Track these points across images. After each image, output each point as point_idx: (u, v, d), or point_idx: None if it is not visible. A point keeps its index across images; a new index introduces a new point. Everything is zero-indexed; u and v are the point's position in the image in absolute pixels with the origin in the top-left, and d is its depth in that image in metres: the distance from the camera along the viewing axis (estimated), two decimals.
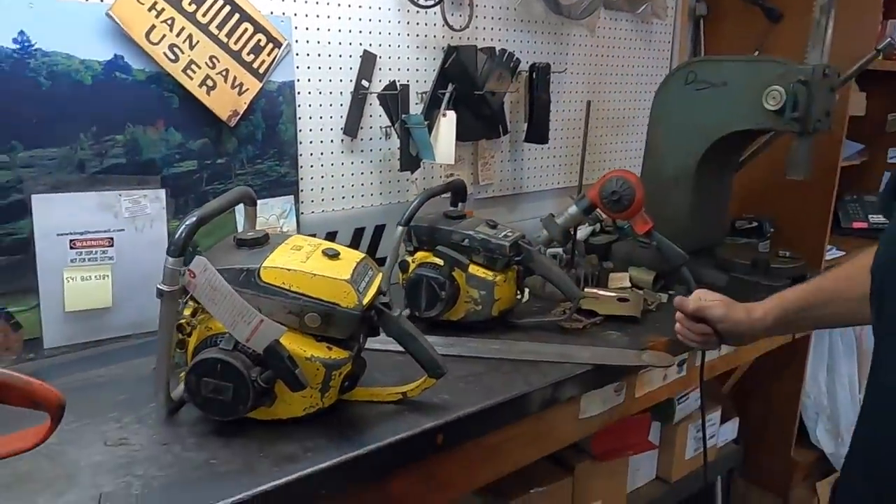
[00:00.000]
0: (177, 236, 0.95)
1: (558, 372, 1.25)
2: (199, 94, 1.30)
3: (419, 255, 1.42)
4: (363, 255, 1.09)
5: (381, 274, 1.12)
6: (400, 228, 1.38)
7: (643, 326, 1.48)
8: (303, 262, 1.01)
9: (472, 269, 1.37)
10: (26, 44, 1.14)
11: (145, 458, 0.93)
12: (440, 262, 1.36)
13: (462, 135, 1.66)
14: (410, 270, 1.39)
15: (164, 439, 0.98)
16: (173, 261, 0.94)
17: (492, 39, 1.77)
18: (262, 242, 1.07)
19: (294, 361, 0.95)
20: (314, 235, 1.54)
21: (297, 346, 0.98)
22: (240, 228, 1.41)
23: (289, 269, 0.99)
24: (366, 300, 1.02)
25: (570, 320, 1.44)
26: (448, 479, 1.13)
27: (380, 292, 1.08)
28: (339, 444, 0.98)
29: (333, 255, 1.04)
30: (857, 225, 2.46)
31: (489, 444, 1.16)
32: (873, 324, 0.83)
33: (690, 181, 1.67)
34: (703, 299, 1.20)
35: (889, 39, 1.52)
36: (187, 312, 1.03)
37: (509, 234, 1.42)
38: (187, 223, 0.96)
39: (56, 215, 1.21)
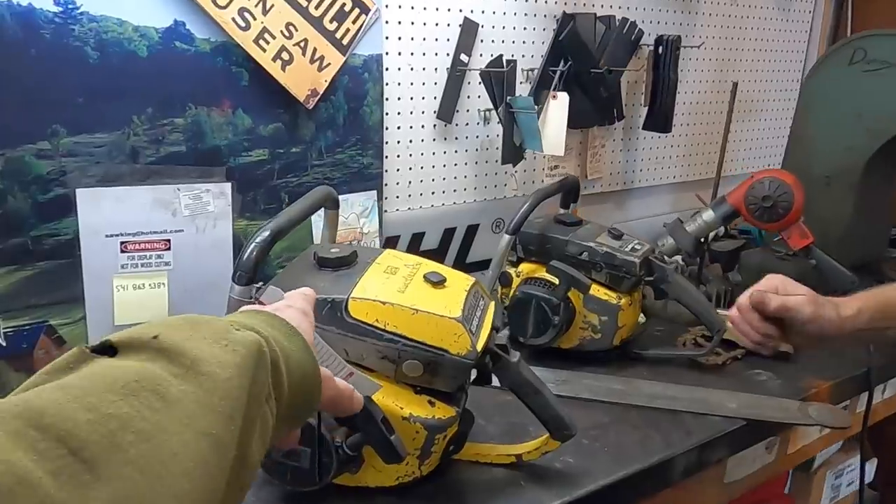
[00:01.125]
0: (245, 258, 0.74)
1: (703, 427, 1.00)
2: (273, 69, 1.08)
3: (524, 266, 1.19)
4: (473, 280, 0.86)
5: (493, 303, 0.89)
6: (507, 237, 1.14)
7: (797, 364, 1.20)
8: (401, 293, 0.78)
9: (593, 289, 1.12)
10: (70, 6, 0.94)
11: None
12: (554, 279, 1.11)
13: (571, 121, 1.40)
14: (515, 286, 1.16)
15: None
16: (240, 290, 0.73)
17: (610, 6, 1.49)
18: (350, 262, 0.84)
19: (390, 426, 0.73)
20: (398, 238, 1.33)
21: (392, 401, 0.76)
22: (315, 230, 1.20)
23: (384, 303, 0.76)
24: (480, 344, 0.79)
25: (708, 354, 1.18)
26: None
27: (493, 328, 0.85)
28: None
29: (438, 283, 0.81)
30: None
31: None
32: None
33: (855, 183, 1.37)
34: (783, 291, 0.98)
35: None
36: None
37: (637, 246, 1.16)
38: (258, 240, 0.75)
39: (105, 213, 1.02)
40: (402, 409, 0.76)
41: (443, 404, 0.79)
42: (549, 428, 0.84)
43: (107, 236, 1.03)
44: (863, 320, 0.97)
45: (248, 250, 0.74)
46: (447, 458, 0.84)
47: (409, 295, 0.78)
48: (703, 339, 1.24)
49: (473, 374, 0.83)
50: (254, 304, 0.72)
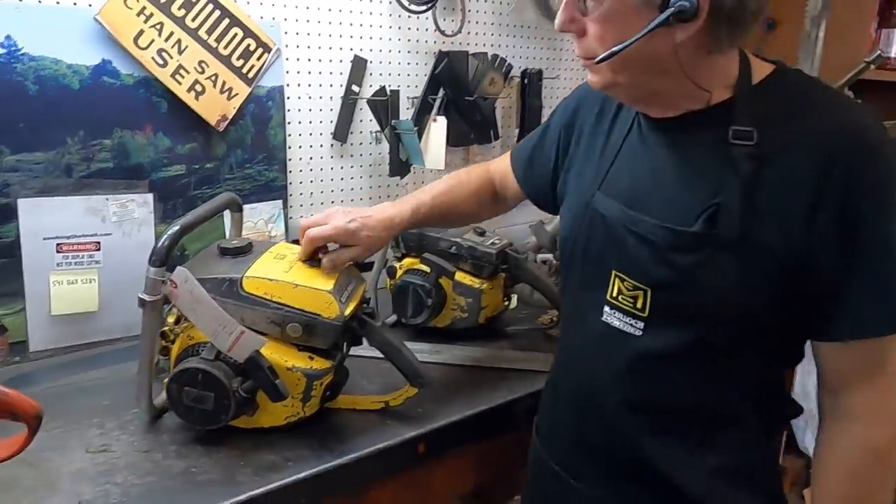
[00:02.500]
0: (159, 245, 0.95)
1: (544, 381, 1.25)
2: (188, 98, 1.30)
3: (407, 261, 1.42)
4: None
5: (364, 283, 1.12)
6: None
7: None
8: (286, 272, 1.01)
9: (459, 276, 1.38)
10: (13, 48, 1.14)
11: (125, 466, 0.94)
12: (427, 269, 1.36)
13: (453, 140, 1.67)
14: (397, 277, 1.40)
15: (145, 447, 0.98)
16: (155, 270, 0.94)
17: (484, 45, 1.76)
18: (246, 251, 1.07)
19: (275, 372, 0.96)
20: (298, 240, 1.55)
21: (279, 356, 0.98)
22: (227, 233, 1.41)
23: (271, 280, 0.99)
24: (348, 310, 1.03)
25: (556, 328, 1.44)
26: (429, 487, 1.13)
27: (363, 301, 1.08)
28: (320, 454, 0.98)
29: (317, 264, 1.05)
30: None
31: (473, 452, 1.17)
32: (561, 283, 1.04)
33: None
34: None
35: (879, 52, 1.52)
36: (171, 319, 1.03)
37: (496, 241, 1.42)
38: (170, 232, 0.96)
39: (43, 219, 1.21)
40: (286, 361, 0.98)
41: (320, 358, 1.01)
42: (409, 378, 1.07)
43: (44, 239, 1.21)
44: (406, 217, 1.08)
45: (162, 240, 0.96)
46: (326, 403, 1.06)
47: (292, 273, 1.02)
48: (556, 318, 1.51)
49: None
50: (165, 281, 0.94)
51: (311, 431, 1.03)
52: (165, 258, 0.95)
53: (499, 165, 1.22)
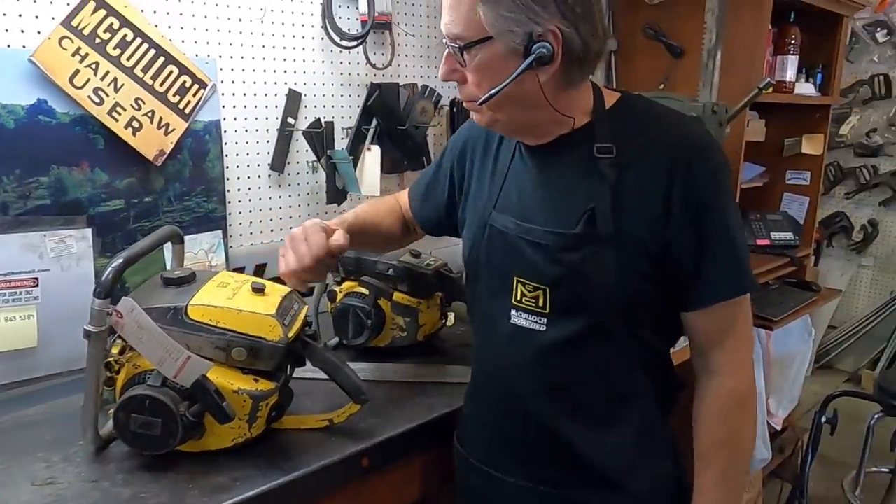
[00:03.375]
0: (103, 278, 0.98)
1: None
2: (125, 135, 1.33)
3: (346, 284, 1.47)
4: (289, 289, 1.15)
5: (306, 306, 1.18)
6: None
7: None
8: (229, 299, 1.06)
9: (397, 296, 1.44)
10: None
11: (73, 496, 0.95)
12: (366, 291, 1.42)
13: (387, 167, 1.74)
14: (338, 300, 1.45)
15: (92, 476, 1.00)
16: (100, 302, 0.97)
17: (413, 76, 1.86)
18: (189, 280, 1.11)
19: (221, 395, 1.00)
20: (243, 269, 1.59)
21: (225, 379, 1.02)
22: (168, 265, 1.44)
23: (215, 307, 1.03)
24: (291, 333, 1.08)
25: None
26: (375, 500, 1.18)
27: (305, 324, 1.13)
28: (267, 473, 1.02)
29: (259, 290, 1.09)
30: (760, 242, 2.64)
31: (415, 464, 1.22)
32: (467, 303, 1.18)
33: None
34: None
35: (768, 79, 1.69)
36: (115, 350, 1.06)
37: (432, 262, 1.49)
38: (114, 265, 1.00)
39: None
40: (232, 384, 1.03)
41: (264, 380, 1.06)
42: (350, 395, 1.13)
43: None
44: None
45: (106, 273, 0.99)
46: (272, 423, 1.10)
47: (236, 300, 1.06)
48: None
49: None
50: (111, 312, 0.97)
51: (257, 452, 1.07)
52: (110, 290, 0.98)
53: (403, 198, 1.34)
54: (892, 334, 3.81)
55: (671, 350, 1.06)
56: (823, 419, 1.91)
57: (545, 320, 0.99)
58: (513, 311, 1.02)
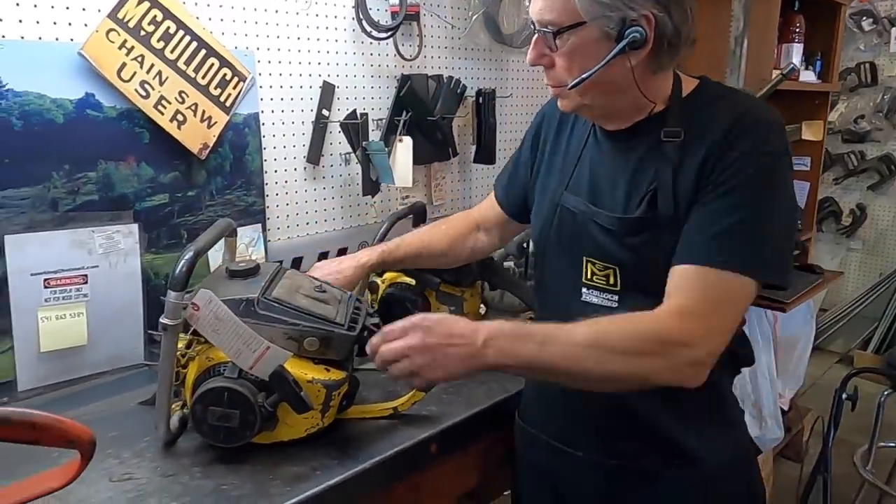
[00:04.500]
0: (177, 271, 0.98)
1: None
2: (171, 128, 1.32)
3: (389, 275, 1.47)
4: (350, 293, 1.17)
5: (371, 295, 1.18)
6: None
7: None
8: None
9: (442, 286, 1.45)
10: None
11: (155, 491, 0.95)
12: (411, 281, 1.43)
13: (416, 158, 1.74)
14: (381, 291, 1.45)
15: (168, 471, 1.00)
16: (175, 295, 0.97)
17: (440, 67, 1.86)
18: (254, 272, 1.11)
19: (298, 385, 1.00)
20: (281, 262, 1.58)
21: (298, 369, 1.02)
22: (211, 261, 1.43)
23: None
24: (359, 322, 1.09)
25: None
26: (439, 486, 1.19)
27: (368, 314, 1.14)
28: (343, 462, 1.03)
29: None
30: None
31: (476, 449, 1.24)
32: (534, 281, 1.19)
33: None
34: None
35: (791, 64, 1.73)
36: (181, 345, 1.05)
37: None
38: (186, 257, 0.99)
39: (29, 255, 1.19)
40: (306, 374, 1.02)
41: (335, 370, 1.06)
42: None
43: (31, 275, 1.20)
44: (374, 260, 1.28)
45: (179, 265, 0.98)
46: (341, 413, 1.11)
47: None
48: (530, 320, 1.60)
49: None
50: (186, 305, 0.97)
51: (330, 441, 1.07)
52: (185, 282, 0.97)
53: (480, 205, 1.36)
54: (882, 314, 3.92)
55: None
56: (844, 395, 1.96)
57: (617, 297, 1.02)
58: (584, 289, 1.05)
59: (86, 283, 1.26)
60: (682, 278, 0.93)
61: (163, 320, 0.97)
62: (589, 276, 1.04)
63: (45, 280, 1.22)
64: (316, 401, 1.03)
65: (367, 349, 1.00)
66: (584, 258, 1.04)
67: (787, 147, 0.96)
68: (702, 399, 1.02)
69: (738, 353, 1.07)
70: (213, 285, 1.08)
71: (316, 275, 1.21)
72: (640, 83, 0.94)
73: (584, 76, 0.92)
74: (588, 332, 0.92)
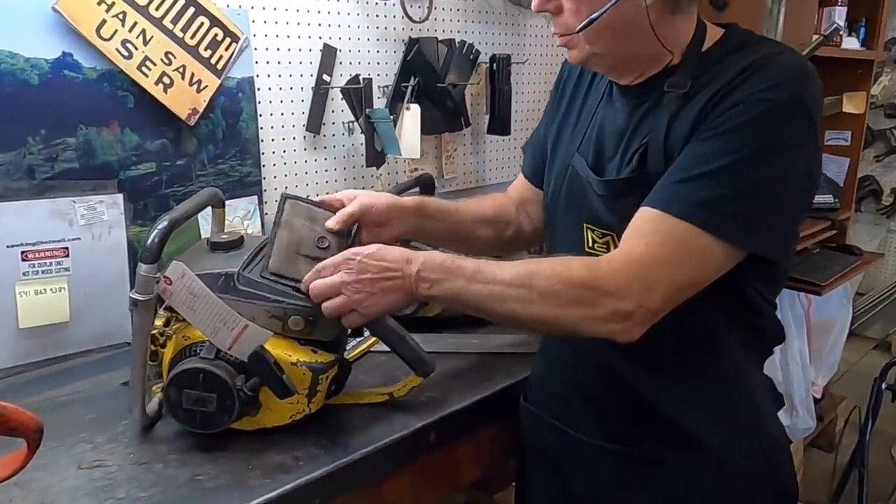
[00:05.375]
0: (149, 242, 0.89)
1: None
2: (156, 91, 1.24)
3: None
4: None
5: None
6: None
7: None
8: None
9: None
10: None
11: (125, 480, 0.88)
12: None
13: (425, 128, 1.64)
14: None
15: (142, 458, 0.93)
16: (147, 268, 0.89)
17: (451, 31, 1.75)
18: (237, 245, 1.02)
19: (280, 367, 0.91)
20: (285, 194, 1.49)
21: (282, 350, 0.94)
22: (203, 232, 1.35)
23: None
24: None
25: None
26: (439, 477, 1.11)
27: None
28: (331, 450, 0.95)
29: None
30: None
31: (478, 439, 1.15)
32: (548, 239, 1.10)
33: None
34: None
35: (835, 24, 1.58)
36: (159, 322, 0.98)
37: None
38: (159, 227, 0.91)
39: (5, 225, 1.13)
40: (290, 356, 0.94)
41: (323, 351, 0.98)
42: (413, 367, 1.04)
43: (8, 247, 1.13)
44: (410, 206, 1.09)
45: (152, 236, 0.90)
46: (330, 398, 1.03)
47: None
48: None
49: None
50: (158, 279, 0.89)
51: (317, 429, 0.99)
52: (157, 254, 0.89)
53: (513, 184, 1.24)
54: None
55: (770, 297, 0.95)
56: (884, 385, 1.83)
57: None
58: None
59: (67, 256, 1.19)
60: (638, 220, 0.85)
61: (133, 295, 0.89)
62: (591, 244, 0.97)
63: (23, 252, 1.15)
64: (301, 385, 0.95)
65: (301, 286, 0.93)
66: (584, 224, 0.97)
67: (808, 98, 0.81)
68: (714, 380, 0.93)
69: (766, 330, 0.96)
70: (192, 258, 1.00)
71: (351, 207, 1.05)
72: (655, 27, 0.84)
73: (593, 16, 0.83)
74: (518, 272, 0.86)
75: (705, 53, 0.88)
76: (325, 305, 0.91)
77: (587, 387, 1.00)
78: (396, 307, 0.93)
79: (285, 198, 1.05)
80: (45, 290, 1.17)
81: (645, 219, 0.84)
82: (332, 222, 1.03)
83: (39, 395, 1.11)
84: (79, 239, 1.20)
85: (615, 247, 0.92)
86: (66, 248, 1.19)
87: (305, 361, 0.95)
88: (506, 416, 1.16)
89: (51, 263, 1.18)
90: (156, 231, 0.90)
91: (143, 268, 0.88)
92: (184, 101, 1.28)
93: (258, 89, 1.41)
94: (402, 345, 1.03)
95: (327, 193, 1.56)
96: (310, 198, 1.10)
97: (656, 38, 0.85)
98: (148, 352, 0.94)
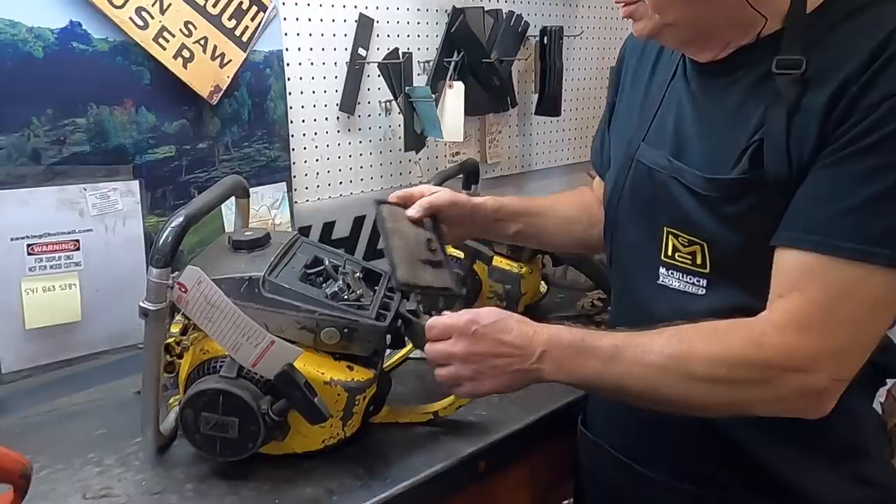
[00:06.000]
0: (161, 242, 0.77)
1: None
2: (175, 66, 1.11)
3: None
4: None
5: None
6: None
7: None
8: None
9: (496, 260, 1.22)
10: None
11: None
12: (459, 254, 1.20)
13: (469, 108, 1.50)
14: None
15: (154, 486, 0.82)
16: (158, 272, 0.76)
17: (497, 0, 1.59)
18: (263, 243, 0.89)
19: (312, 388, 0.79)
20: (310, 228, 1.38)
21: (314, 367, 0.82)
22: (226, 223, 1.23)
23: None
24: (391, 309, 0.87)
25: (603, 312, 1.29)
26: None
27: (403, 298, 0.92)
28: (368, 483, 0.83)
29: None
30: None
31: (531, 463, 1.02)
32: (607, 259, 0.96)
33: None
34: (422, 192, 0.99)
35: None
36: (175, 329, 0.86)
37: None
38: (173, 225, 0.78)
39: (8, 216, 1.02)
40: (322, 374, 0.82)
41: (361, 368, 0.85)
42: None
43: (12, 239, 1.03)
44: (488, 208, 1.01)
45: (164, 235, 0.77)
46: (368, 420, 0.90)
47: None
48: (598, 301, 1.36)
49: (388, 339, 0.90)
50: (172, 285, 0.76)
51: (352, 455, 0.87)
52: (171, 256, 0.76)
53: (596, 180, 1.10)
54: None
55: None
56: None
57: (705, 282, 0.79)
58: (662, 270, 0.82)
59: (77, 249, 1.08)
60: (795, 270, 0.69)
61: (143, 304, 0.77)
62: (669, 253, 0.82)
63: (29, 246, 1.05)
64: (335, 407, 0.82)
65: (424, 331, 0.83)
66: (665, 228, 0.81)
67: None
68: (820, 421, 0.75)
69: (878, 363, 0.79)
70: (212, 259, 0.87)
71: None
72: None
73: None
74: (667, 348, 0.73)
75: (811, 18, 0.72)
76: (436, 371, 0.81)
77: (658, 420, 0.84)
78: (509, 389, 0.81)
79: (379, 202, 0.96)
80: (53, 287, 1.07)
81: (800, 266, 0.69)
82: (413, 211, 0.95)
83: (46, 405, 1.01)
84: (90, 231, 1.09)
85: (704, 259, 0.78)
86: (77, 241, 1.08)
87: (340, 380, 0.82)
88: (562, 436, 1.03)
89: (60, 258, 1.07)
90: (169, 229, 0.78)
91: (153, 272, 0.76)
92: (205, 77, 1.15)
93: (287, 64, 1.28)
94: None
95: (362, 180, 1.45)
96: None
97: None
98: (162, 365, 0.82)
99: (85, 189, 1.08)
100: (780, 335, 0.69)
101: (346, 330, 0.82)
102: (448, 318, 0.81)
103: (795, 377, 0.68)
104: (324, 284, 0.87)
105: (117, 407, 1.00)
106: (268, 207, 1.29)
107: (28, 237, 1.04)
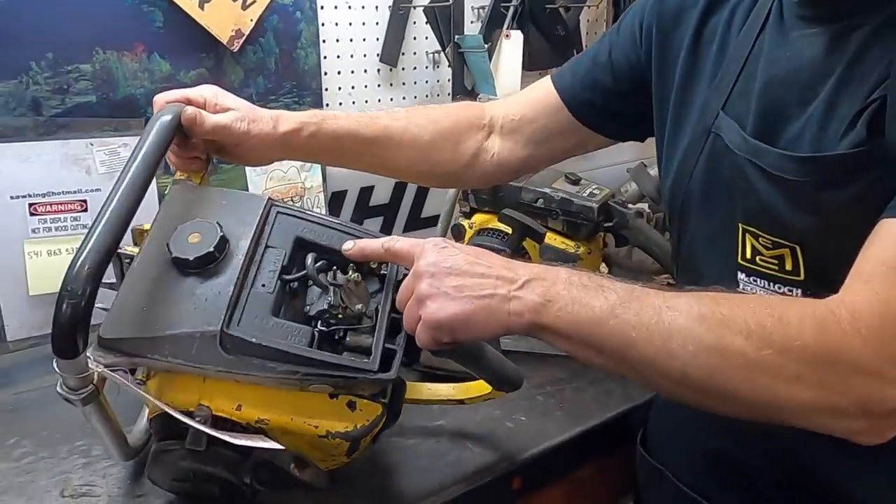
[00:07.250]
0: (58, 327, 0.56)
1: None
2: (190, 7, 1.01)
3: (478, 217, 1.13)
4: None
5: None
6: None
7: None
8: None
9: (550, 238, 1.07)
10: None
11: None
12: (507, 229, 1.05)
13: (527, 62, 1.36)
14: (467, 238, 1.10)
15: (138, 489, 0.73)
16: (63, 364, 0.57)
17: None
18: (217, 255, 0.63)
19: (302, 460, 0.65)
20: (345, 192, 1.26)
21: (303, 419, 0.63)
22: (251, 183, 1.12)
23: None
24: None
25: None
26: None
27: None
28: None
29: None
30: None
31: (578, 480, 0.88)
32: (674, 243, 0.80)
33: None
34: (215, 103, 0.79)
35: None
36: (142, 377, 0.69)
37: (596, 191, 1.12)
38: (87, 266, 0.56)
39: (8, 172, 0.95)
40: (315, 427, 0.63)
41: (366, 402, 0.66)
42: (494, 385, 0.76)
43: (12, 198, 0.96)
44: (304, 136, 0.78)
45: (62, 313, 0.56)
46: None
47: None
48: (668, 287, 1.19)
49: None
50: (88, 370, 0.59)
51: (364, 471, 0.75)
52: (74, 335, 0.56)
53: (507, 99, 0.96)
54: None
55: None
56: None
57: (799, 292, 0.64)
58: (741, 275, 0.68)
59: (85, 210, 1.01)
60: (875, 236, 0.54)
61: (60, 391, 0.58)
62: (748, 256, 0.67)
63: (32, 206, 0.98)
64: (335, 453, 0.66)
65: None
66: (741, 226, 0.67)
67: None
68: None
69: None
70: (145, 290, 0.62)
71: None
72: None
73: None
74: (701, 307, 0.54)
75: None
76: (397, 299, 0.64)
77: (731, 444, 0.74)
78: (480, 327, 0.58)
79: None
80: (59, 250, 1.00)
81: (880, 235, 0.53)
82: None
83: (49, 377, 0.92)
84: (98, 190, 1.02)
85: (795, 264, 0.63)
86: (84, 202, 1.01)
87: (340, 433, 0.64)
88: (615, 451, 0.89)
89: (65, 219, 1.00)
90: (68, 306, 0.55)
91: (60, 364, 0.57)
92: (226, 19, 1.05)
93: (321, 7, 1.18)
94: (481, 364, 0.74)
95: None
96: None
97: None
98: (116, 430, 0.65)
99: (91, 144, 1.00)
100: (855, 323, 0.51)
101: (340, 385, 0.64)
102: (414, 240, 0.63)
103: (863, 383, 0.51)
104: (308, 295, 0.67)
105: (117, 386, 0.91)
106: (297, 169, 1.19)
107: (30, 196, 0.98)
